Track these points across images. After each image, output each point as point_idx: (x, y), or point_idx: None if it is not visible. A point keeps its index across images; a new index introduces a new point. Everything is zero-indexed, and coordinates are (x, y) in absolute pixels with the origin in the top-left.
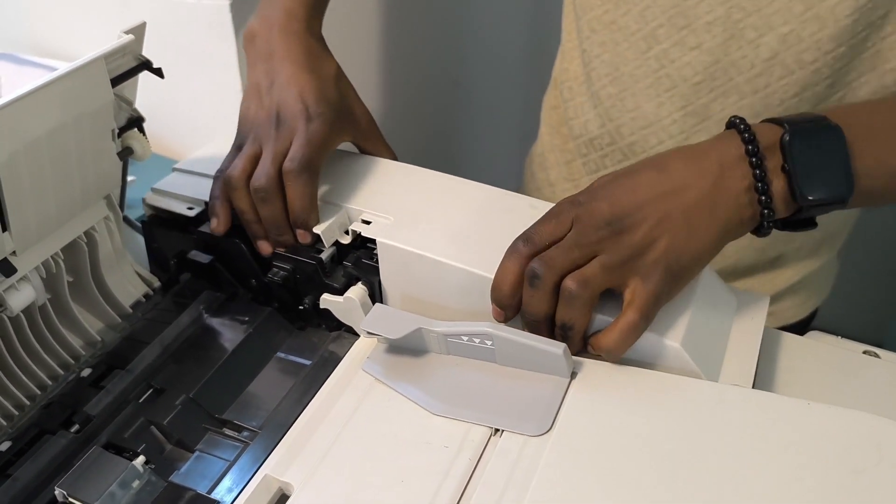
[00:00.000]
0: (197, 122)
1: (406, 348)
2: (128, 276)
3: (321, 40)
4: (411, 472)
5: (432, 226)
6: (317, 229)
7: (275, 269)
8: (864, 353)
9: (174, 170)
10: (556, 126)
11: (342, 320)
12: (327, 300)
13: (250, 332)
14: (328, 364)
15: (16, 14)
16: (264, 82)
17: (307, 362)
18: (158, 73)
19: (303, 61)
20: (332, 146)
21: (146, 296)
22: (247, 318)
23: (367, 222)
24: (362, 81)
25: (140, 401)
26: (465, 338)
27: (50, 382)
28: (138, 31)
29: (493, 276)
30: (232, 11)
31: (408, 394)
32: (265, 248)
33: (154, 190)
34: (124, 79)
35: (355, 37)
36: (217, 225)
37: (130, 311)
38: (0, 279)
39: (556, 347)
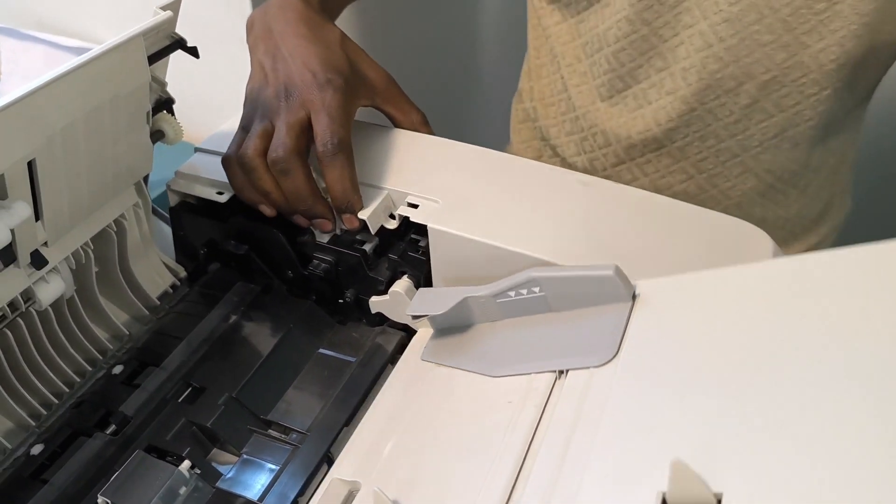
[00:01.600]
0: (213, 101)
1: (458, 328)
2: (155, 266)
3: (320, 12)
4: (477, 438)
5: (484, 208)
6: (361, 215)
7: (316, 262)
8: None
9: (197, 150)
10: (528, 140)
11: (391, 317)
12: (376, 303)
13: (290, 328)
14: (374, 360)
15: None
16: (267, 61)
17: (352, 359)
18: (193, 52)
19: (304, 32)
20: (352, 113)
21: (173, 286)
22: (285, 312)
23: (414, 205)
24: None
25: (179, 400)
26: (513, 292)
27: (77, 379)
28: (174, 6)
29: (552, 260)
30: None
31: (466, 366)
32: (302, 221)
33: (179, 174)
34: (158, 58)
35: (365, 30)
36: (270, 211)
37: (158, 302)
38: (30, 271)
39: (607, 269)
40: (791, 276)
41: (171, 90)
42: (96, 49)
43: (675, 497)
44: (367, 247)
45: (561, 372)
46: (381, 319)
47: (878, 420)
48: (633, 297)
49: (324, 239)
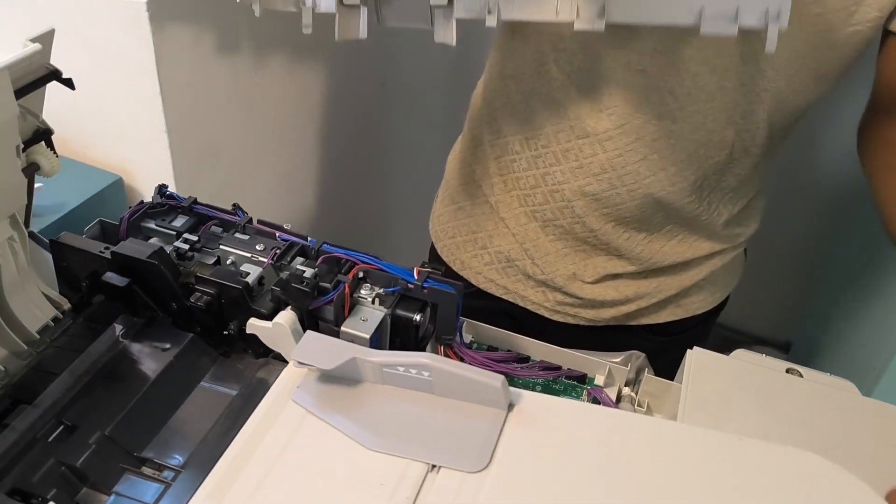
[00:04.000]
0: (113, 125)
1: (339, 377)
2: (34, 299)
3: None
4: None
5: None
6: None
7: (197, 294)
8: (788, 371)
9: None
10: (484, 122)
11: (271, 346)
12: (255, 325)
13: (171, 361)
14: (256, 393)
15: None
16: None
17: (233, 392)
18: (69, 83)
19: None
20: None
21: (55, 319)
22: (167, 345)
23: None
24: (292, 81)
25: (49, 440)
26: (402, 368)
27: None
28: (46, 39)
29: None
30: (149, 11)
31: (342, 427)
32: None
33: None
34: (30, 90)
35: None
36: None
37: (37, 336)
38: None
39: (495, 380)
40: (643, 435)
41: (70, 114)
42: None
43: None
44: (251, 278)
45: (434, 466)
46: (266, 350)
47: None
48: (510, 406)
49: (206, 272)
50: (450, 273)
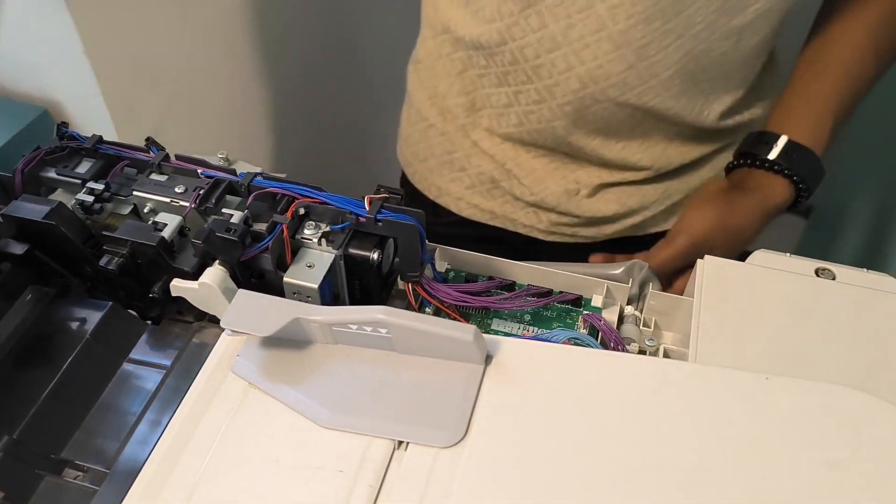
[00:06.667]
0: (25, 50)
1: (286, 339)
2: None
3: None
4: None
5: None
6: None
7: (108, 256)
8: (818, 272)
9: None
10: (438, 32)
11: (203, 309)
12: (178, 287)
13: (88, 338)
14: (195, 364)
15: None
16: None
17: (167, 364)
18: None
19: None
20: None
21: None
22: (83, 319)
23: None
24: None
25: None
26: (355, 326)
27: None
28: None
29: None
30: None
31: (290, 401)
32: None
33: None
34: None
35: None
36: None
37: None
38: None
39: (465, 332)
40: (645, 378)
41: None
42: None
43: None
44: (167, 231)
45: (402, 442)
46: (203, 312)
47: None
48: (488, 359)
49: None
50: (424, 202)
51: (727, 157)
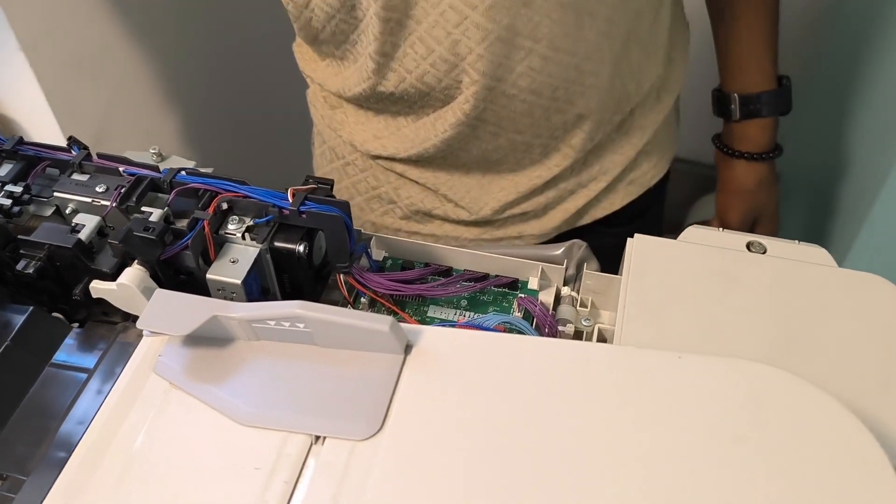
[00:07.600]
0: None
1: (208, 338)
2: None
3: None
4: None
5: None
6: None
7: (25, 261)
8: (749, 246)
9: None
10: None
11: (125, 310)
12: (97, 289)
13: (8, 344)
14: (118, 366)
15: None
16: None
17: (91, 365)
18: None
19: None
20: None
21: None
22: (6, 322)
23: None
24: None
25: None
26: (273, 322)
27: None
28: None
29: None
30: None
31: (209, 400)
32: None
33: None
34: None
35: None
36: None
37: None
38: None
39: (382, 323)
40: (566, 359)
41: None
42: None
43: None
44: (85, 232)
45: (319, 437)
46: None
47: None
48: (408, 348)
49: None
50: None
51: (662, 113)
